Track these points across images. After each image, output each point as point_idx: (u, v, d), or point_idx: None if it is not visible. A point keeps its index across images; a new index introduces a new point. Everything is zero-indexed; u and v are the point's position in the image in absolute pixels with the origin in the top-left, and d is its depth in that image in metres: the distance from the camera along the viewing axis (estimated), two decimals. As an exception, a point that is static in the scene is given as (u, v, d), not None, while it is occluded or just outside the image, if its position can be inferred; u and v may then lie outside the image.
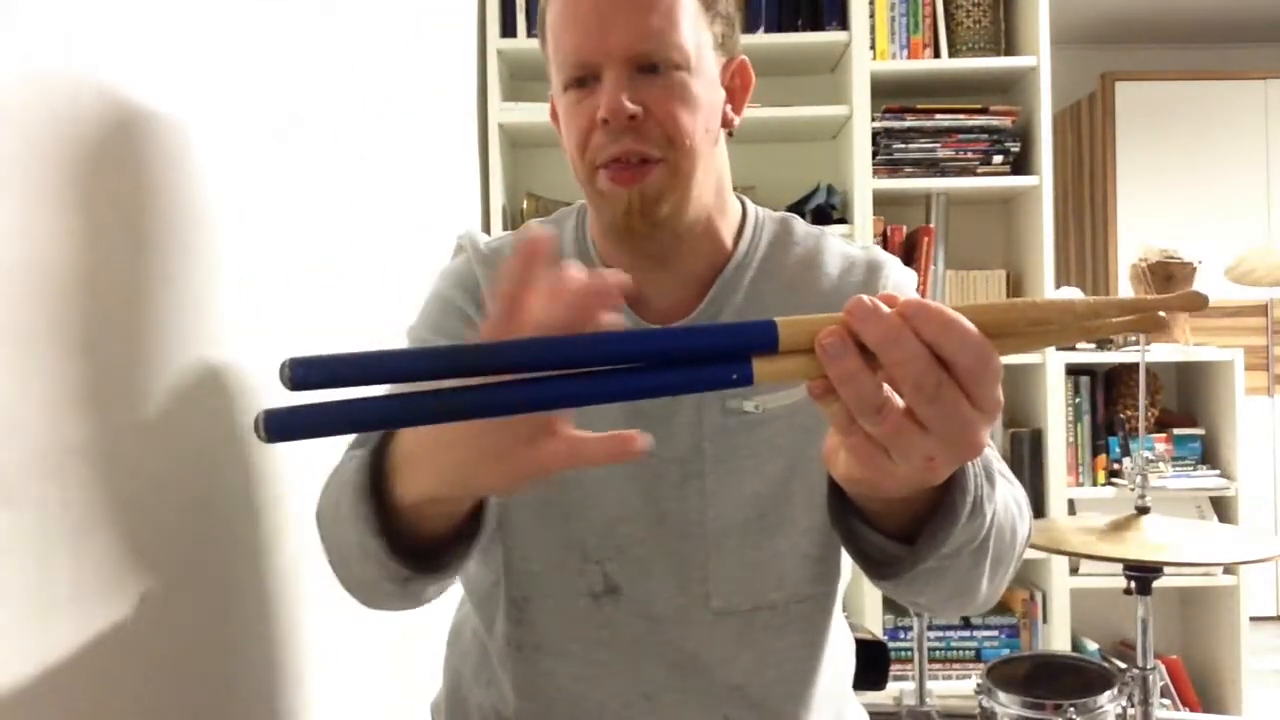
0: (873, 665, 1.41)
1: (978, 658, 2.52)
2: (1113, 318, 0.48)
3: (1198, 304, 0.47)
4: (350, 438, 0.84)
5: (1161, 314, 0.47)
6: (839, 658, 0.95)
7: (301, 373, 0.41)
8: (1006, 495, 0.71)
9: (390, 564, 0.66)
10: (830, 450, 0.55)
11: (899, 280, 0.91)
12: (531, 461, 0.53)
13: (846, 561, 0.91)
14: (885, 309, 0.45)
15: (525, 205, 2.42)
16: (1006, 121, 2.46)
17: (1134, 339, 2.48)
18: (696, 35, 0.81)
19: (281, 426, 0.42)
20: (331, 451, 1.11)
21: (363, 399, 0.44)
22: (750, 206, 0.94)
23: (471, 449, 0.55)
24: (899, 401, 0.47)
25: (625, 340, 0.46)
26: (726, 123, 0.87)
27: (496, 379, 0.45)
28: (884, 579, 0.67)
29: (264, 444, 0.91)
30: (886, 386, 0.46)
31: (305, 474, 1.04)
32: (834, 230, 0.97)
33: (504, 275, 0.51)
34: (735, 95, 0.88)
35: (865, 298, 0.46)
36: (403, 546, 0.66)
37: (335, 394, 0.43)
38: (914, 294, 0.91)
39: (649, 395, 0.46)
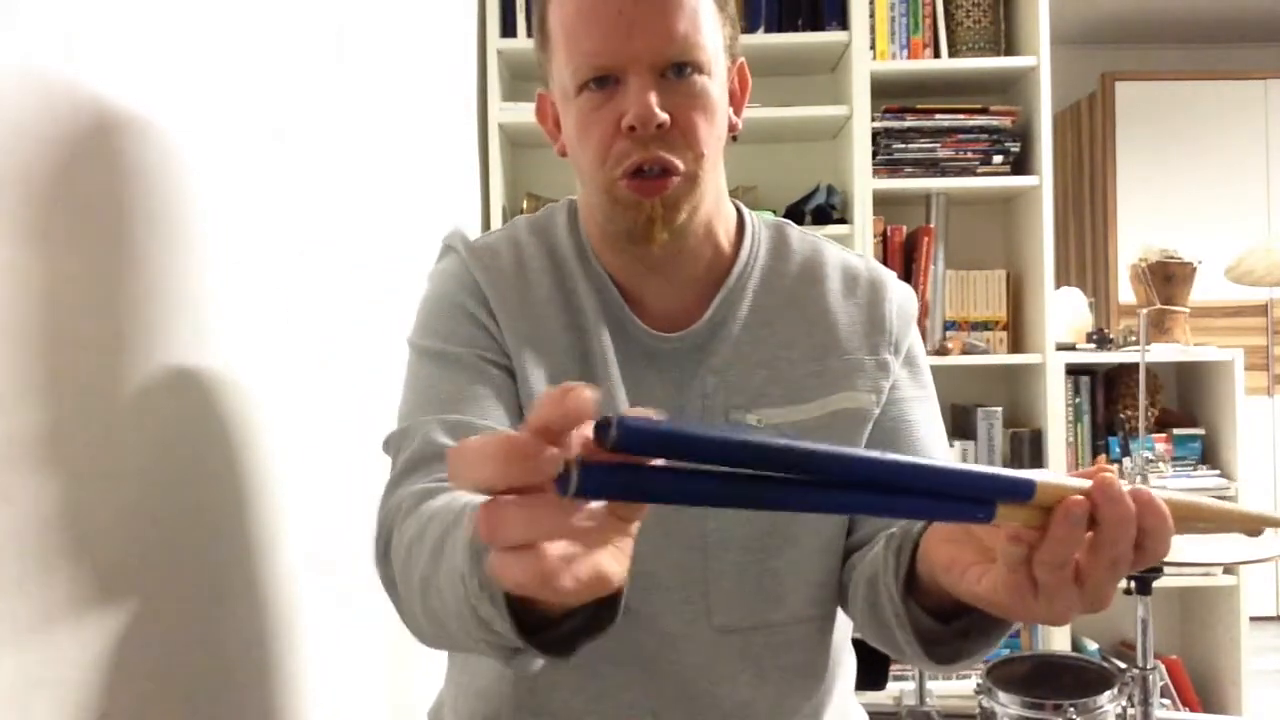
0: (873, 665, 1.41)
1: (978, 658, 2.52)
2: (1266, 527, 0.55)
3: None
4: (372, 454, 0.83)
5: None
6: (844, 672, 0.95)
7: (624, 437, 0.41)
8: None
9: (494, 633, 0.56)
10: (965, 566, 0.59)
11: (902, 301, 0.91)
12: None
13: None
14: (1128, 497, 0.50)
15: (525, 205, 2.41)
16: (1006, 121, 2.46)
17: (1133, 337, 2.48)
18: (714, 39, 0.81)
19: (593, 484, 0.42)
20: (332, 454, 1.11)
21: (679, 469, 0.43)
22: (746, 213, 0.93)
23: None
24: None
25: (911, 472, 0.48)
26: (732, 127, 0.86)
27: (777, 475, 0.45)
28: (937, 662, 0.72)
29: (261, 448, 0.91)
30: None
31: (304, 479, 1.04)
32: (821, 232, 0.97)
33: (541, 413, 0.42)
34: (736, 98, 0.88)
35: (1115, 480, 0.51)
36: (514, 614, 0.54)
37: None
38: (915, 317, 0.93)
39: (905, 516, 0.51)
